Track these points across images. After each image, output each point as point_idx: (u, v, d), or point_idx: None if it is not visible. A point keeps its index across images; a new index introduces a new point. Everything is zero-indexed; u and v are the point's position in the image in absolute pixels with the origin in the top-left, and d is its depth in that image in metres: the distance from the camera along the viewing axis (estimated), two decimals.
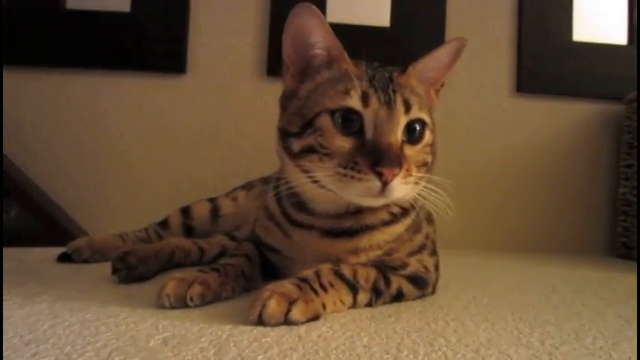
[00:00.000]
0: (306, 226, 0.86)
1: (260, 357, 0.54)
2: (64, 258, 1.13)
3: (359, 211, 0.83)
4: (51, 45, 1.78)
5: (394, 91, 0.76)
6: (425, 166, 0.81)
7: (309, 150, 0.77)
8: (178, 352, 0.54)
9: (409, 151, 0.77)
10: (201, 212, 1.35)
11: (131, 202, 1.79)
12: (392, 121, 0.75)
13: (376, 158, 0.71)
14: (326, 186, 0.76)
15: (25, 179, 1.67)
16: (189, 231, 1.32)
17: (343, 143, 0.74)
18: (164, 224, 1.33)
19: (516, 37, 1.89)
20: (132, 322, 0.65)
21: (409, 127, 0.78)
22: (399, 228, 0.86)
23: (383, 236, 0.85)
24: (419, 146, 0.79)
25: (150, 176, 1.80)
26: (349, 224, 0.84)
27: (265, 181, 1.42)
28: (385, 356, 0.56)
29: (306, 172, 0.78)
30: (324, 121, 0.76)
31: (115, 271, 0.93)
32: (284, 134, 0.82)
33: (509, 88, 1.90)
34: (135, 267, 0.94)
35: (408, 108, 0.77)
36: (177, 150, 1.81)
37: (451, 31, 1.84)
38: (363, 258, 0.83)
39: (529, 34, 1.88)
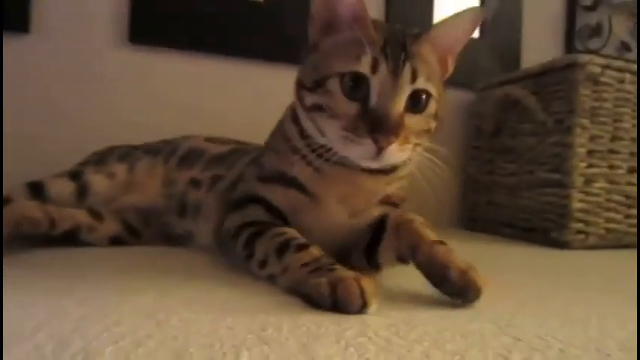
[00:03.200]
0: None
1: (109, 349, 0.49)
2: None
3: None
4: None
5: (404, 60, 0.79)
6: (427, 133, 0.86)
7: (319, 108, 0.80)
8: None
9: (411, 119, 0.81)
10: (61, 190, 1.17)
11: None
12: (396, 89, 0.78)
13: (375, 125, 0.75)
14: (332, 144, 0.80)
15: None
16: None
17: (349, 108, 0.78)
18: (6, 203, 1.08)
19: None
20: None
21: (414, 96, 0.81)
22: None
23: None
24: (421, 116, 0.83)
25: None
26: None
27: (153, 151, 1.30)
28: (249, 336, 0.55)
29: (317, 125, 0.82)
30: (334, 84, 0.79)
31: None
32: (300, 85, 0.85)
33: None
34: None
35: (414, 77, 0.79)
36: (18, 121, 1.57)
37: None
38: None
39: None
